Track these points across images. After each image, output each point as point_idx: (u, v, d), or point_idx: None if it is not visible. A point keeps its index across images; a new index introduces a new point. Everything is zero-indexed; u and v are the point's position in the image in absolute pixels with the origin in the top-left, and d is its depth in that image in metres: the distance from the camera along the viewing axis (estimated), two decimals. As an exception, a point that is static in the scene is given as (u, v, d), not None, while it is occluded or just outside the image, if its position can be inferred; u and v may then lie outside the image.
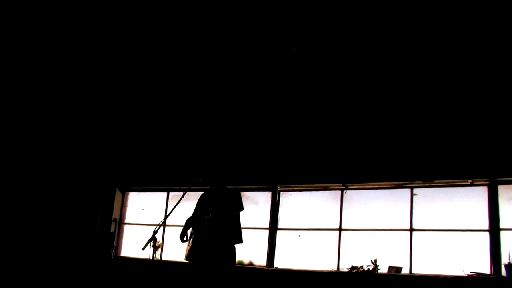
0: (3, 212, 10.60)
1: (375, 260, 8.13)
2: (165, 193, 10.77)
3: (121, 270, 10.08)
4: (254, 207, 9.67)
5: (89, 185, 11.13)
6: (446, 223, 7.99)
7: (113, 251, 10.27)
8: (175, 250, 9.72)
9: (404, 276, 7.91)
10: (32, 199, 11.01)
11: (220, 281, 6.53)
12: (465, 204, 7.98)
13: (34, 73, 10.07)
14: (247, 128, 9.86)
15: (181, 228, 6.89)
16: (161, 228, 9.40)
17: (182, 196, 6.75)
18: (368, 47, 8.24)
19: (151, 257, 6.75)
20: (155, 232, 6.44)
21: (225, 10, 7.88)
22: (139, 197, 11.23)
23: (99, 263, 10.07)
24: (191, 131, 10.47)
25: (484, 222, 7.71)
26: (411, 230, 8.22)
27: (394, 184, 8.56)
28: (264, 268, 9.13)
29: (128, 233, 11.04)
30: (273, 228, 9.40)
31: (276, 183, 9.52)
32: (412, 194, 8.40)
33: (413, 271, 7.99)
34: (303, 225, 9.19)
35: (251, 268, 9.25)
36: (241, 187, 9.38)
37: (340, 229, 8.83)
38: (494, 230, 7.58)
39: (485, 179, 7.83)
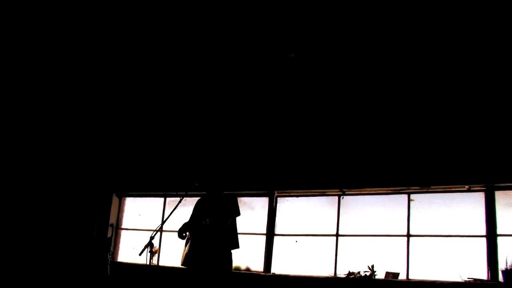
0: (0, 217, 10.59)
1: (372, 266, 8.13)
2: (162, 199, 10.75)
3: (118, 275, 10.05)
4: (251, 213, 9.67)
5: (86, 190, 11.10)
6: (443, 228, 7.99)
7: (110, 256, 10.24)
8: (172, 256, 9.70)
9: (401, 282, 7.90)
10: (30, 204, 10.98)
11: (217, 287, 6.52)
12: (462, 210, 7.98)
13: (32, 78, 10.06)
14: (244, 134, 9.86)
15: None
16: (158, 233, 9.40)
17: (179, 202, 6.74)
18: (365, 54, 8.25)
19: (148, 263, 6.76)
20: (152, 238, 6.43)
21: (221, 17, 7.89)
22: (136, 202, 11.21)
23: (96, 269, 10.05)
24: (188, 137, 10.46)
25: (481, 227, 7.71)
26: (408, 235, 8.22)
27: (391, 190, 8.56)
28: (261, 273, 9.11)
29: (125, 238, 11.01)
30: (270, 233, 9.39)
31: (273, 188, 9.52)
32: (409, 200, 8.39)
33: (410, 277, 7.98)
34: (300, 230, 9.18)
35: (248, 274, 9.23)
36: (238, 192, 9.40)
37: (337, 235, 8.83)
38: (491, 235, 7.58)
39: (482, 185, 7.84)
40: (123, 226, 11.15)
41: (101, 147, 11.29)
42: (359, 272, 8.17)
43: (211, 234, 6.53)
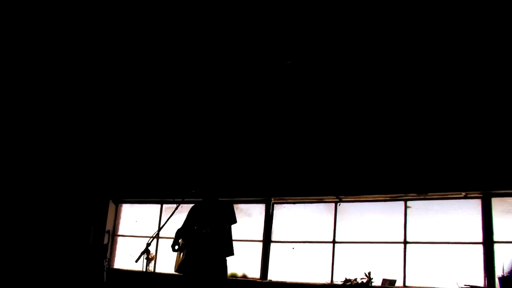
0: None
1: (369, 273, 8.12)
2: (159, 205, 10.74)
3: (114, 282, 10.03)
4: (248, 219, 9.66)
5: (82, 196, 11.08)
6: (440, 235, 7.99)
7: (106, 263, 10.21)
8: (169, 263, 9.66)
9: (398, 288, 7.92)
10: (27, 211, 10.95)
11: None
12: (459, 217, 7.98)
13: (29, 84, 10.05)
14: (241, 141, 9.86)
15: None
16: (155, 240, 9.37)
17: (176, 208, 6.72)
18: (363, 62, 8.27)
19: (144, 269, 6.73)
20: (148, 244, 6.41)
21: (218, 27, 7.92)
22: (133, 209, 11.19)
23: (92, 275, 10.01)
24: (185, 144, 10.46)
25: (477, 234, 7.72)
26: (405, 242, 8.21)
27: (388, 197, 8.56)
28: (258, 280, 9.10)
29: (122, 245, 10.99)
30: (267, 240, 9.38)
31: (270, 195, 9.51)
32: (406, 207, 8.40)
33: (407, 284, 7.97)
34: (297, 237, 9.17)
35: (244, 281, 9.21)
36: (235, 199, 9.39)
37: (334, 242, 8.82)
38: (488, 242, 7.58)
39: (479, 192, 7.85)
40: (119, 233, 11.12)
41: (98, 153, 11.28)
42: (356, 279, 8.16)
43: (207, 241, 6.51)
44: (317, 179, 8.99)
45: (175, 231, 6.85)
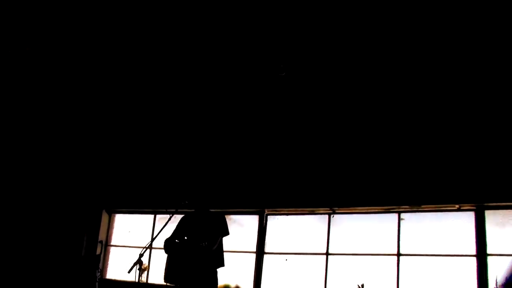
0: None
1: (362, 285, 8.10)
2: (152, 215, 10.70)
3: (107, 293, 9.99)
4: (241, 230, 9.63)
5: (75, 206, 11.04)
6: (434, 248, 7.99)
7: (99, 273, 10.17)
8: (162, 273, 9.62)
9: (391, 301, 7.90)
10: (18, 220, 10.92)
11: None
12: (452, 229, 7.98)
13: (24, 90, 10.02)
14: (235, 152, 9.85)
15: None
16: (148, 250, 9.34)
17: (169, 219, 6.71)
18: (355, 73, 8.30)
19: (137, 280, 6.69)
20: (141, 255, 6.39)
21: (207, 35, 7.92)
22: (126, 219, 11.15)
23: (85, 286, 9.97)
24: (179, 154, 10.44)
25: (471, 247, 7.71)
26: (398, 254, 8.21)
27: (382, 209, 8.57)
28: (251, 292, 9.08)
29: (114, 255, 10.93)
30: (260, 252, 9.36)
31: (263, 206, 9.50)
32: (399, 219, 8.40)
33: (400, 296, 7.97)
34: (291, 249, 9.16)
35: (237, 292, 9.20)
36: (229, 210, 9.37)
37: (327, 254, 8.80)
38: (481, 255, 7.58)
39: (472, 204, 7.85)
40: (112, 243, 11.07)
41: (91, 163, 11.25)
42: (349, 291, 8.16)
43: (197, 252, 6.49)
44: (310, 190, 8.98)
45: (164, 240, 6.84)
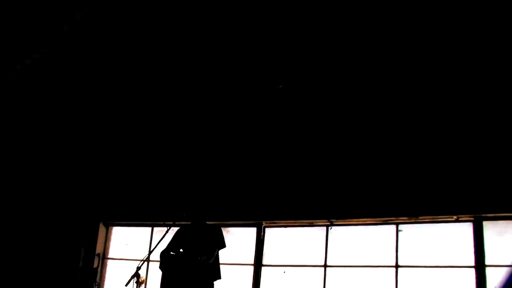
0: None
1: (361, 297, 8.09)
2: (150, 228, 10.67)
3: (104, 306, 9.94)
4: (238, 243, 9.59)
5: (72, 219, 10.99)
6: (432, 259, 7.97)
7: (96, 286, 10.13)
8: (159, 286, 9.59)
9: (390, 313, 7.87)
10: (15, 232, 10.88)
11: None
12: (451, 240, 7.97)
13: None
14: (232, 164, 9.83)
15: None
16: (145, 263, 9.31)
17: (167, 232, 6.71)
18: (350, 84, 8.33)
19: (134, 294, 6.67)
20: (138, 268, 6.38)
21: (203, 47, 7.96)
22: (123, 231, 11.11)
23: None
24: (176, 167, 10.43)
25: (469, 258, 7.69)
26: (397, 266, 8.19)
27: (379, 220, 8.55)
28: (249, 304, 9.04)
29: (112, 268, 10.88)
30: (258, 264, 9.32)
31: (261, 219, 9.47)
32: (397, 230, 8.38)
33: (399, 308, 7.95)
34: (288, 261, 9.13)
35: (235, 305, 9.15)
36: (226, 222, 9.35)
37: (325, 266, 8.78)
38: (480, 266, 7.56)
39: (470, 215, 7.83)
40: (109, 256, 11.03)
41: (88, 176, 11.22)
42: (347, 303, 8.12)
43: (193, 265, 6.48)
44: (308, 202, 8.97)
45: (159, 253, 6.83)
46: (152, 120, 10.08)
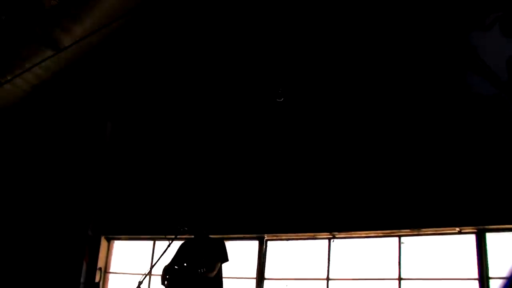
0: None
1: (364, 310, 8.05)
2: (151, 242, 10.64)
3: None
4: (240, 256, 9.56)
5: (74, 233, 10.97)
6: (435, 271, 7.93)
7: (98, 301, 10.10)
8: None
9: (393, 326, 7.83)
10: (16, 246, 10.86)
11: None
12: (453, 253, 7.94)
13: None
14: (234, 178, 9.82)
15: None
16: (147, 277, 9.27)
17: (168, 246, 6.69)
18: (350, 95, 8.35)
19: (136, 308, 6.64)
20: (140, 282, 6.36)
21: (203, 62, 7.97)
22: (125, 245, 11.09)
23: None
24: (177, 181, 10.42)
25: (473, 270, 7.65)
26: (400, 279, 8.14)
27: (382, 233, 8.52)
28: (251, 318, 9.00)
29: (113, 282, 10.85)
30: (261, 278, 9.29)
31: (263, 232, 9.45)
32: (400, 243, 8.35)
33: (402, 321, 7.90)
34: (291, 274, 9.09)
35: (238, 319, 9.11)
36: (228, 236, 9.32)
37: (327, 279, 8.74)
38: (483, 279, 7.52)
39: (473, 227, 7.80)
40: (111, 270, 10.99)
41: (89, 190, 11.21)
42: (350, 317, 8.08)
43: (196, 278, 6.46)
44: (310, 215, 8.94)
45: (163, 268, 6.81)
46: (155, 134, 10.08)
